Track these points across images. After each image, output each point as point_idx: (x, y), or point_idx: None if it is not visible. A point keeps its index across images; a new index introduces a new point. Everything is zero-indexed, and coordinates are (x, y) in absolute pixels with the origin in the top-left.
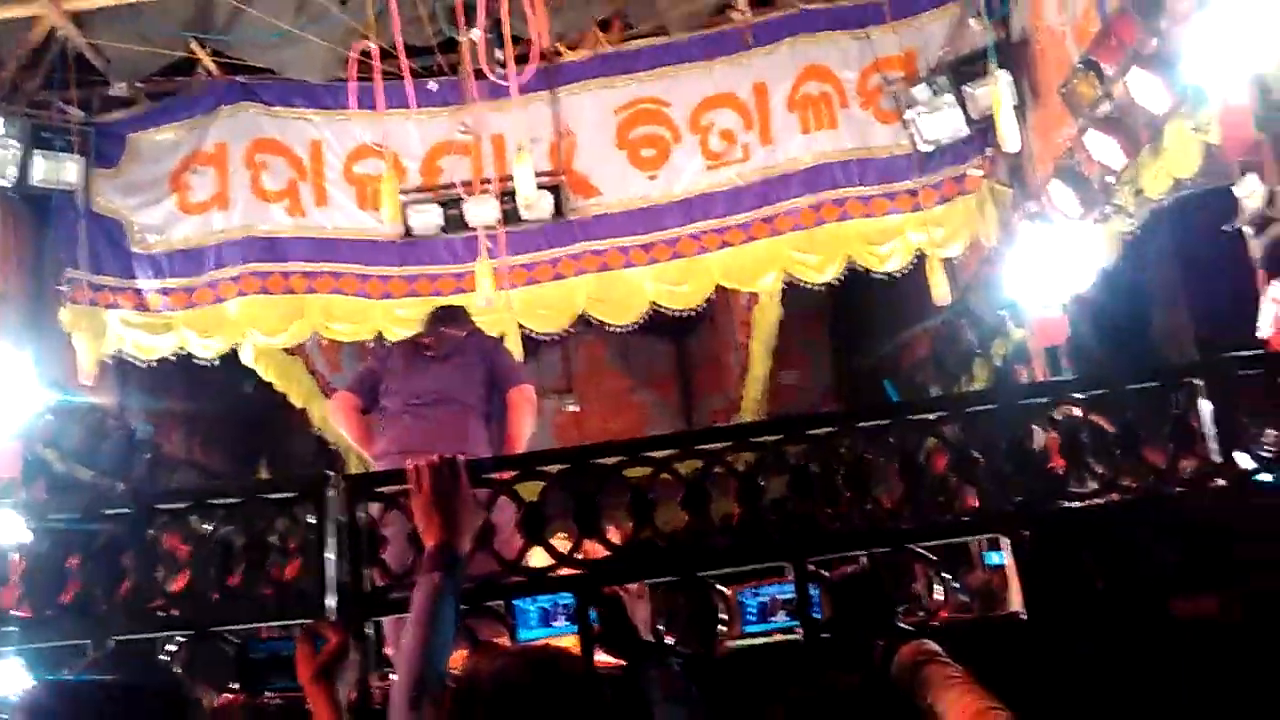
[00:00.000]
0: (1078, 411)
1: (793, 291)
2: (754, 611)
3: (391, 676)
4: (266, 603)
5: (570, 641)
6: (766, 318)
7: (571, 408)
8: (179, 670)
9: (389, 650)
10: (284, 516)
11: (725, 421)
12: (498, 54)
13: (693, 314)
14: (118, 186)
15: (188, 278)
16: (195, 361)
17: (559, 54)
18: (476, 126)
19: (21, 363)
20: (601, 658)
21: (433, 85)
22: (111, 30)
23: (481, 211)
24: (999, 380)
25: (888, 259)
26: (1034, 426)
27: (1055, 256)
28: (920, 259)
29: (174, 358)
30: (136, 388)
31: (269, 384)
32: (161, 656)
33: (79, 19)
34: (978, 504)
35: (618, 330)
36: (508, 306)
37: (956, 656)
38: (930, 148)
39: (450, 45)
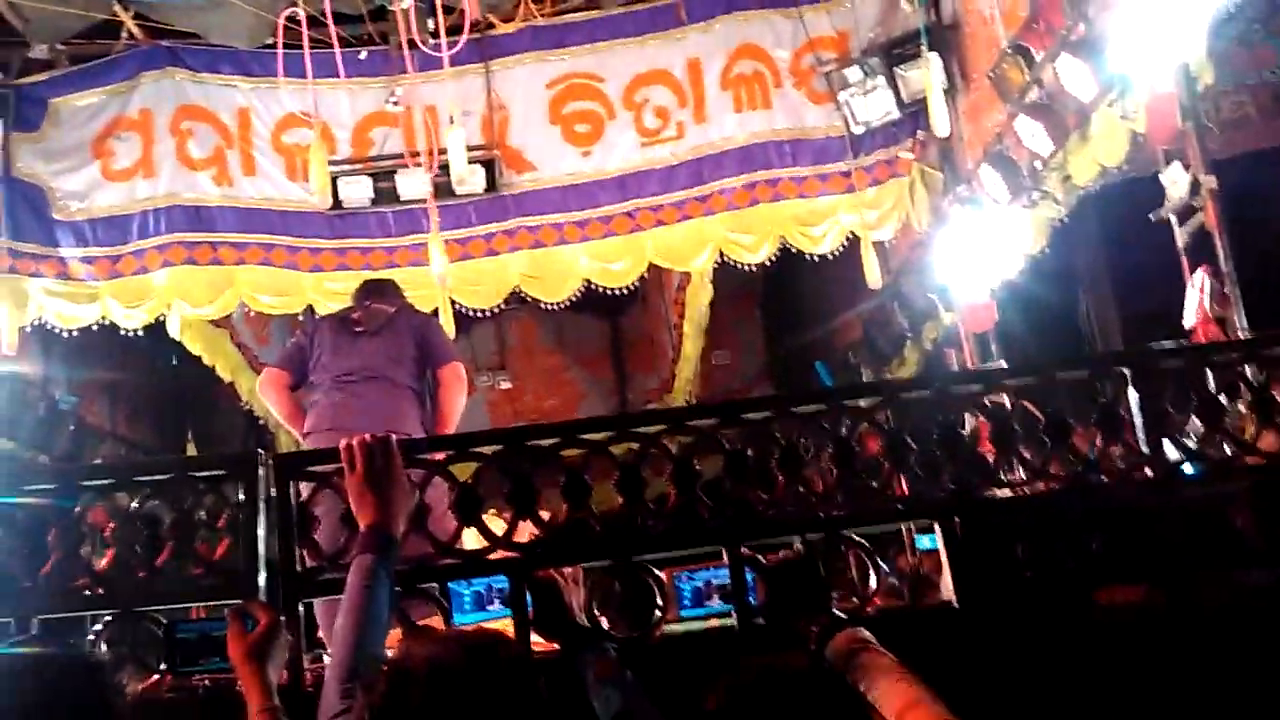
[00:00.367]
0: (1008, 399)
1: (725, 272)
2: (689, 596)
3: (324, 658)
4: (195, 582)
5: (505, 625)
6: (698, 298)
7: (505, 385)
8: (104, 650)
9: (321, 634)
10: (213, 494)
11: (658, 400)
12: (429, 24)
13: (626, 292)
14: (39, 152)
15: (112, 246)
16: (120, 332)
17: (491, 25)
18: (408, 98)
19: None
20: (537, 641)
21: (363, 54)
22: None
23: (414, 184)
24: (929, 364)
25: (821, 240)
26: (965, 414)
27: (985, 241)
28: (853, 241)
29: (97, 327)
30: (60, 357)
31: (196, 357)
32: (88, 637)
33: None
34: (909, 490)
35: (551, 307)
36: (441, 281)
37: (890, 644)
38: (862, 129)
39: (381, 14)
